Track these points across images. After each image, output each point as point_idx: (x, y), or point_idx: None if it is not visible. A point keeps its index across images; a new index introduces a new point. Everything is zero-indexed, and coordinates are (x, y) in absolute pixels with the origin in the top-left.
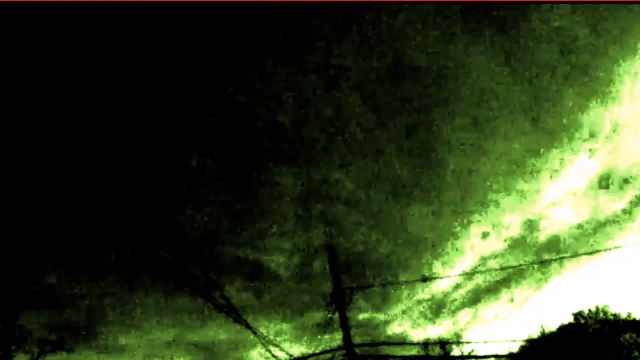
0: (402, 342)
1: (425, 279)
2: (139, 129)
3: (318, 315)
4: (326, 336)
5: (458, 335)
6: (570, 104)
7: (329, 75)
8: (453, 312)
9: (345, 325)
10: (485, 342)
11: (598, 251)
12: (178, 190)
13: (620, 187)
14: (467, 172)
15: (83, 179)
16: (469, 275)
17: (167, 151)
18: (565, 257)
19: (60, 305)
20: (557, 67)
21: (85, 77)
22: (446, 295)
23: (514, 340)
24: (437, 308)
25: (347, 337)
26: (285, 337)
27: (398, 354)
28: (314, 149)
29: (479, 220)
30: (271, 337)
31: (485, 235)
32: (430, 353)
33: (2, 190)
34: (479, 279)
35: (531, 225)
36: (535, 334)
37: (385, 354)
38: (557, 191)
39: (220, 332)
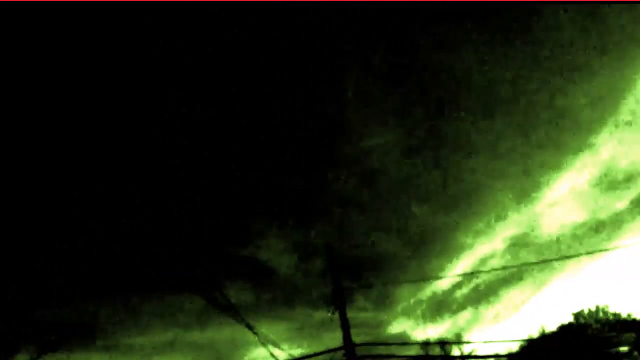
0: (402, 342)
1: (425, 279)
2: (137, 128)
3: (318, 315)
4: (326, 336)
5: (458, 335)
6: (571, 103)
7: (331, 73)
8: (453, 312)
9: (346, 325)
10: (485, 342)
11: (598, 251)
12: (177, 190)
13: (621, 187)
14: (467, 172)
15: (83, 179)
16: (469, 275)
17: (167, 151)
18: (565, 257)
19: (60, 305)
20: (558, 66)
21: (86, 79)
22: (446, 295)
23: (514, 340)
24: (437, 308)
25: (347, 337)
26: (285, 337)
27: (398, 354)
28: (314, 148)
29: (480, 220)
30: (271, 337)
31: (485, 235)
32: (430, 353)
33: (2, 190)
34: (479, 279)
35: (531, 225)
36: (535, 334)
37: (385, 353)
38: (558, 191)
39: (220, 332)
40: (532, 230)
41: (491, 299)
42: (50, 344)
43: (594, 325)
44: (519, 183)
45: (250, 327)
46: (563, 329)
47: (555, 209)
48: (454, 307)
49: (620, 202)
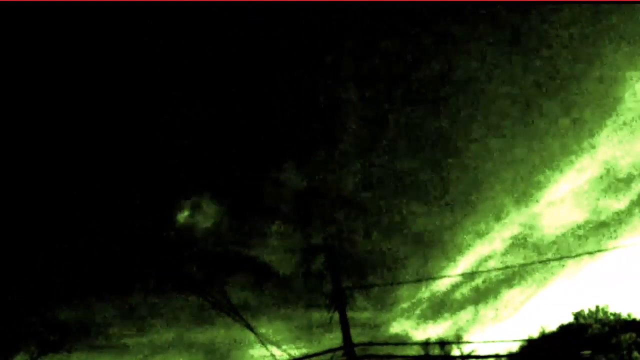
0: (402, 342)
1: (425, 279)
2: (137, 126)
3: (318, 315)
4: (326, 336)
5: (458, 335)
6: (572, 103)
7: (331, 73)
8: (453, 312)
9: (345, 325)
10: (485, 342)
11: (598, 251)
12: (177, 190)
13: (621, 187)
14: (468, 172)
15: (83, 179)
16: (469, 275)
17: (167, 150)
18: (565, 257)
19: (60, 305)
20: (558, 66)
21: (86, 79)
22: (446, 295)
23: (514, 340)
24: (437, 308)
25: (347, 337)
26: (285, 337)
27: (398, 354)
28: (315, 147)
29: (480, 220)
30: (271, 337)
31: (485, 234)
32: (430, 353)
33: (2, 190)
34: (479, 279)
35: (531, 225)
36: (535, 334)
37: (385, 353)
38: (558, 191)
39: (220, 332)
40: (532, 230)
41: (491, 299)
42: (50, 344)
43: (594, 325)
44: (519, 183)
45: (250, 327)
46: (563, 329)
47: (555, 209)
48: (454, 307)
49: (620, 202)
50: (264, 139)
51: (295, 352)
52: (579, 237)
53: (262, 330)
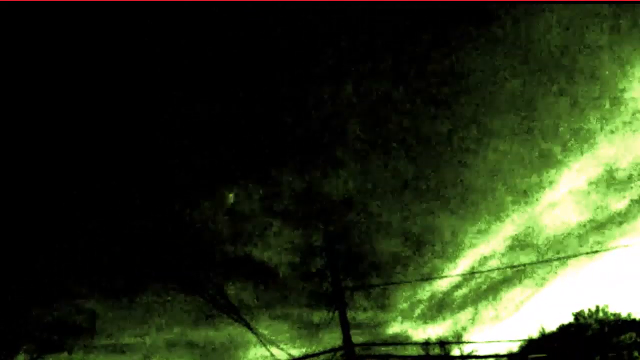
0: (402, 342)
1: (425, 279)
2: (136, 128)
3: (318, 315)
4: (326, 336)
5: (458, 335)
6: (573, 103)
7: (330, 73)
8: (453, 312)
9: (345, 325)
10: (485, 342)
11: (598, 251)
12: (177, 190)
13: (621, 187)
14: (468, 172)
15: (83, 178)
16: (469, 275)
17: (166, 151)
18: (565, 257)
19: (60, 305)
20: (560, 66)
21: (86, 79)
22: (446, 295)
23: (514, 340)
24: (437, 308)
25: (347, 337)
26: (285, 337)
27: (398, 354)
28: (315, 147)
29: (480, 220)
30: (271, 337)
31: (485, 234)
32: (430, 353)
33: (2, 190)
34: (479, 279)
35: (531, 225)
36: (535, 334)
37: (385, 353)
38: (558, 191)
39: (220, 332)
40: (532, 230)
41: (491, 299)
42: (50, 344)
43: (594, 325)
44: (519, 183)
45: (250, 327)
46: (563, 329)
47: (555, 209)
48: (454, 307)
49: (620, 202)
50: (264, 139)
51: (295, 352)
52: (579, 237)
53: (262, 330)
